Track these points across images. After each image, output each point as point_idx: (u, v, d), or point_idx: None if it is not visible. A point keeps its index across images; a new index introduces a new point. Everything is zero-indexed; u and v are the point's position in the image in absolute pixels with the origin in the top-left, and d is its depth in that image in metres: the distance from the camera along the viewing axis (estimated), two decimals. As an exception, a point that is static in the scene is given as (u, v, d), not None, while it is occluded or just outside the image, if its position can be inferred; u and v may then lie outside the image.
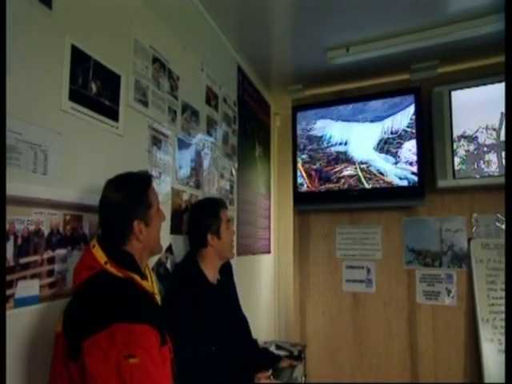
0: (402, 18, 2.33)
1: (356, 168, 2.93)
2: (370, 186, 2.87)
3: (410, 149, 2.77)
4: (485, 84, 2.62)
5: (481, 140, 2.63)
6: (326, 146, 3.04)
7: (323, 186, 3.03)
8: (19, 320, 1.04)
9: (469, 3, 2.18)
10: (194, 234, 1.81)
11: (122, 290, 1.03)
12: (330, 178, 3.01)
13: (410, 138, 2.78)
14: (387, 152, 2.84)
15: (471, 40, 2.47)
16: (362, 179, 2.90)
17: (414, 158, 2.75)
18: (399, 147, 2.81)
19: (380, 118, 2.88)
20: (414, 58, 2.79)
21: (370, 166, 2.88)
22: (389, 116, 2.85)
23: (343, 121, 3.00)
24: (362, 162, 2.91)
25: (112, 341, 0.90)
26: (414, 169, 2.75)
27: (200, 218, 1.79)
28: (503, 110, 2.56)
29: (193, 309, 1.55)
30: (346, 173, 2.96)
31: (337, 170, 2.99)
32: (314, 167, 3.07)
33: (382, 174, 2.84)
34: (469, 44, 2.54)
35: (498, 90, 2.57)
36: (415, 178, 2.74)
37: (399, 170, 2.79)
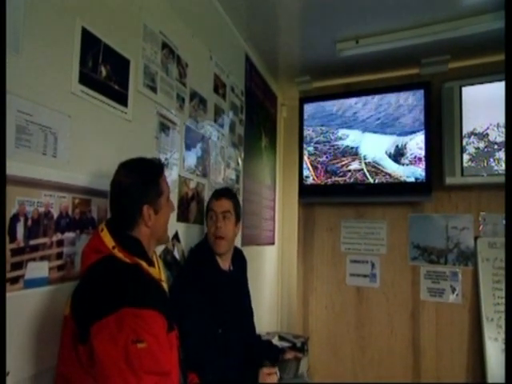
0: (414, 11, 2.32)
1: (362, 162, 2.93)
2: (377, 181, 2.88)
3: (418, 144, 2.77)
4: (497, 80, 2.59)
5: (491, 137, 2.62)
6: (333, 138, 3.04)
7: (329, 179, 3.04)
8: (28, 301, 1.06)
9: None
10: None
11: (129, 276, 1.04)
12: (336, 172, 3.02)
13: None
14: (396, 148, 2.84)
15: (483, 35, 2.45)
16: (368, 174, 2.90)
17: (422, 153, 2.75)
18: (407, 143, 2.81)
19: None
20: (424, 53, 2.78)
21: (377, 160, 2.88)
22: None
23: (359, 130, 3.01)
24: (368, 157, 2.92)
25: (120, 325, 0.91)
26: (422, 165, 2.75)
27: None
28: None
29: (202, 290, 1.59)
30: (352, 167, 2.96)
31: (343, 163, 2.99)
32: (320, 160, 3.07)
33: (388, 169, 2.84)
34: (481, 39, 2.53)
35: (509, 86, 2.56)
36: (423, 174, 2.74)
37: (406, 165, 2.79)
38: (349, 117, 2.99)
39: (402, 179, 2.80)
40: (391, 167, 2.84)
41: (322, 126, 3.07)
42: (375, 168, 2.88)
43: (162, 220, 1.24)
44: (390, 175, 2.84)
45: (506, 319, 1.42)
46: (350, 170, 2.97)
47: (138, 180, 1.16)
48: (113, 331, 0.90)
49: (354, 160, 2.96)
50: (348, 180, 2.97)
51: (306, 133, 3.13)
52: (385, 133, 2.86)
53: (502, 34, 2.37)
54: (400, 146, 2.82)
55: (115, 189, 1.17)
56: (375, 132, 2.89)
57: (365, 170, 2.91)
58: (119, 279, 1.02)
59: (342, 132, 3.00)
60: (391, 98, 2.87)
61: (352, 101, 2.99)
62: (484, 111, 2.65)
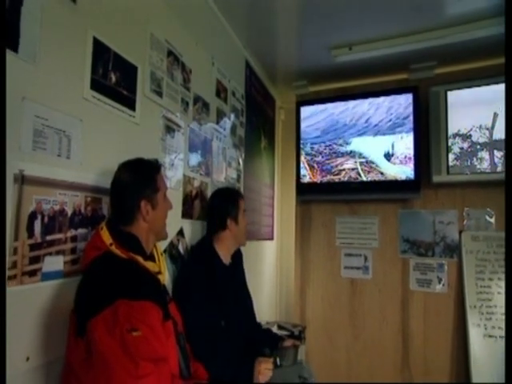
0: (403, 20, 2.33)
1: (356, 162, 2.94)
2: (369, 179, 2.89)
3: (406, 145, 2.79)
4: (479, 85, 2.63)
5: (474, 138, 2.64)
6: (329, 139, 3.05)
7: (325, 178, 3.05)
8: (45, 292, 1.07)
9: (466, 7, 2.18)
10: (214, 218, 1.84)
11: (123, 270, 1.05)
12: (331, 170, 3.03)
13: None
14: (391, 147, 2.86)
15: (468, 43, 2.46)
16: (361, 172, 2.91)
17: (411, 153, 2.77)
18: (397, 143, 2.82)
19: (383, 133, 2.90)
20: (413, 59, 2.79)
21: (372, 159, 2.89)
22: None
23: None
24: (362, 156, 2.92)
25: (115, 316, 0.92)
26: (411, 164, 2.76)
27: (222, 204, 1.83)
28: (496, 110, 2.57)
29: (205, 284, 1.59)
30: (346, 166, 2.97)
31: (338, 162, 3.00)
32: (317, 159, 3.08)
33: (380, 168, 2.85)
34: (465, 46, 2.54)
35: (491, 91, 2.58)
36: (412, 173, 2.75)
37: (397, 164, 2.81)
38: (362, 124, 2.98)
39: (393, 177, 2.81)
40: (384, 166, 2.85)
41: (335, 139, 3.05)
42: (369, 167, 2.89)
43: (159, 215, 1.24)
44: (382, 173, 2.85)
45: (506, 319, 1.40)
46: (344, 169, 2.98)
47: (136, 177, 1.18)
48: (109, 323, 0.92)
49: (348, 160, 2.97)
50: (342, 178, 2.98)
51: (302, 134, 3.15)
52: (394, 133, 2.86)
53: (486, 41, 2.41)
54: (395, 144, 2.85)
55: (115, 186, 1.19)
56: (384, 134, 2.89)
57: (359, 169, 2.92)
58: (114, 274, 1.03)
59: (352, 140, 2.99)
60: (400, 98, 2.86)
61: (365, 107, 2.98)
62: (468, 114, 2.67)
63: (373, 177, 2.88)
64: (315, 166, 3.08)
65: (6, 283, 0.90)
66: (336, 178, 3.01)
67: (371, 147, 2.91)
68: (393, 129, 2.86)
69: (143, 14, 1.54)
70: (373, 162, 2.89)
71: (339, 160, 3.00)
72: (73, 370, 0.98)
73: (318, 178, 3.07)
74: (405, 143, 2.79)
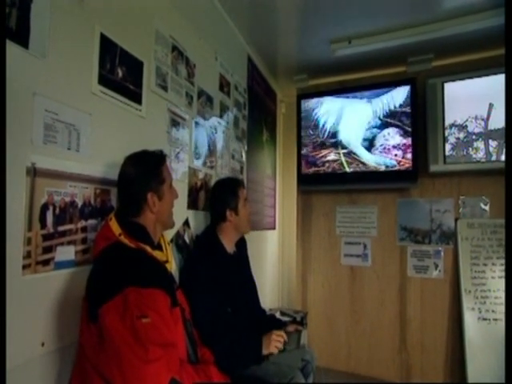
0: (401, 13, 2.30)
1: (339, 153, 2.93)
2: (352, 170, 2.89)
3: (384, 136, 2.79)
4: (475, 77, 2.61)
5: (470, 129, 2.62)
6: (315, 131, 3.04)
7: (310, 170, 3.04)
8: (58, 281, 1.07)
9: (462, 0, 2.15)
10: (214, 209, 1.81)
11: (132, 259, 1.05)
12: (315, 163, 3.01)
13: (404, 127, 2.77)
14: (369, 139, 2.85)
15: (464, 35, 2.44)
16: (344, 164, 2.91)
17: (390, 144, 2.77)
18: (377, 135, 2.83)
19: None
20: (410, 52, 2.76)
21: (352, 149, 2.90)
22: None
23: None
24: (346, 146, 2.93)
25: (126, 303, 0.92)
26: (391, 155, 2.76)
27: (220, 195, 1.79)
28: (491, 101, 2.55)
29: (211, 273, 1.58)
30: (330, 157, 2.96)
31: (322, 154, 2.99)
32: (302, 152, 3.08)
33: (363, 158, 2.87)
34: (461, 39, 2.51)
35: (487, 82, 2.56)
36: (409, 163, 2.73)
37: (377, 155, 2.81)
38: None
39: (374, 167, 2.82)
40: (365, 156, 2.85)
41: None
42: (351, 158, 2.89)
43: (165, 206, 1.24)
44: (364, 164, 2.85)
45: (506, 319, 1.38)
46: (328, 161, 2.97)
47: (142, 170, 1.17)
48: (120, 310, 0.92)
49: (331, 152, 2.96)
50: (326, 170, 2.97)
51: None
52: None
53: (482, 34, 2.38)
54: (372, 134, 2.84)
55: (122, 180, 1.18)
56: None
57: (342, 160, 2.91)
58: (123, 262, 1.03)
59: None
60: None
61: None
62: (464, 105, 2.65)
63: (355, 168, 2.88)
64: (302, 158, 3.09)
65: (5, 281, 0.89)
66: (321, 170, 2.98)
67: (350, 133, 2.90)
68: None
69: (148, 10, 1.53)
70: (354, 153, 2.89)
71: (323, 152, 2.98)
72: (86, 355, 0.98)
73: (306, 170, 3.06)
74: (383, 135, 2.79)
